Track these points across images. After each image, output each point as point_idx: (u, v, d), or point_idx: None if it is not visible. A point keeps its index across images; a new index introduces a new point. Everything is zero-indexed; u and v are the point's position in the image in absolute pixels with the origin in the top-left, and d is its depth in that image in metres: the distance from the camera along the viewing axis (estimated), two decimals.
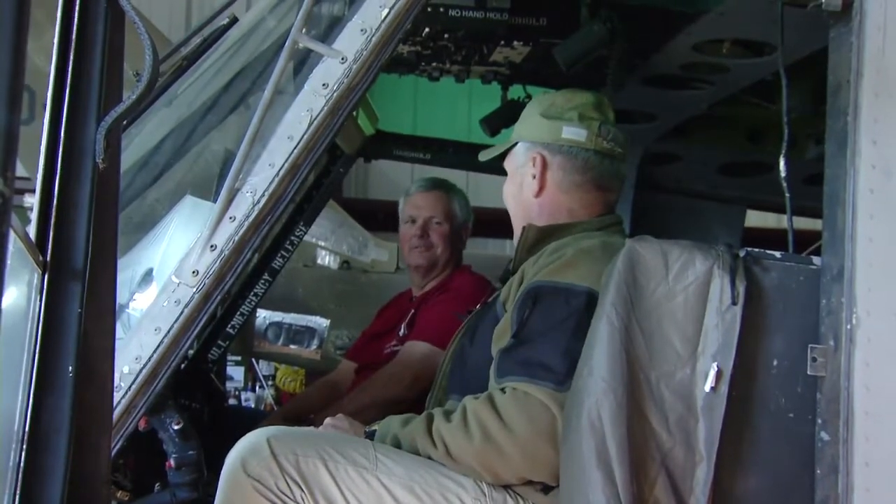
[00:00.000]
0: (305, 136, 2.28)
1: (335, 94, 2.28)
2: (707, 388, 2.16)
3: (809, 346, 2.25)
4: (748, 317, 2.21)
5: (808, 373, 2.24)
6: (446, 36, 3.55)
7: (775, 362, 2.25)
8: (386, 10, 2.28)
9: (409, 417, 2.57)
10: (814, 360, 2.24)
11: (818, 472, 2.22)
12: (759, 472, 2.24)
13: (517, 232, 2.81)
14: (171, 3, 10.11)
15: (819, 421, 2.23)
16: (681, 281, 2.23)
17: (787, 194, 2.53)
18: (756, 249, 2.29)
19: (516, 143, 2.87)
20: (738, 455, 2.21)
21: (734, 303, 2.19)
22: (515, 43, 3.63)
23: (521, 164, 2.84)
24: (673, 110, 4.20)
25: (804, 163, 4.17)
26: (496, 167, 4.81)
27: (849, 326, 2.21)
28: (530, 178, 2.80)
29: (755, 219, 5.39)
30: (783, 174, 2.56)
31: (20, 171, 1.94)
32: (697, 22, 3.20)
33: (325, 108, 2.28)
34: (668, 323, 2.22)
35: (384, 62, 2.34)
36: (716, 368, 2.17)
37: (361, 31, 2.29)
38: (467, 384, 2.62)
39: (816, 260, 2.32)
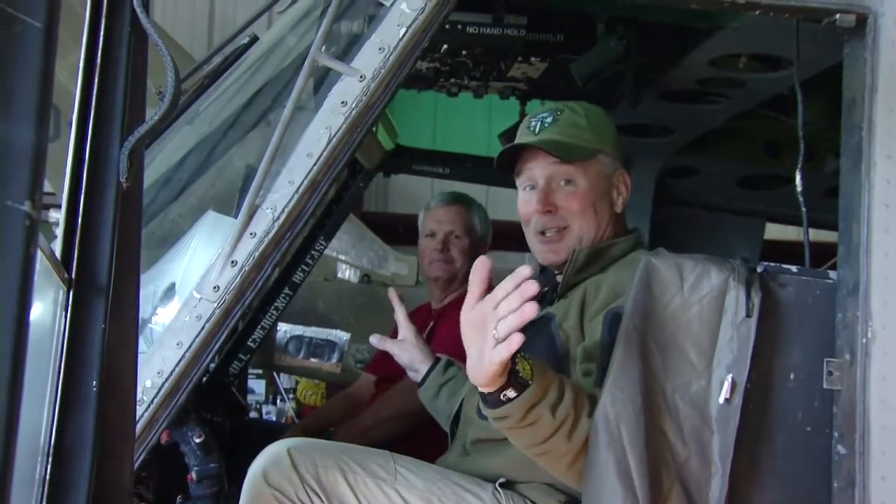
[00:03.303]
0: (324, 154, 2.30)
1: (354, 112, 2.30)
2: (721, 399, 2.17)
3: (825, 359, 2.25)
4: (764, 330, 2.22)
5: (825, 386, 2.25)
6: (464, 52, 3.57)
7: (792, 376, 2.26)
8: (403, 29, 2.30)
9: (559, 392, 2.17)
10: (830, 373, 2.25)
11: (835, 485, 2.23)
12: (776, 485, 2.24)
13: (570, 242, 2.71)
14: (194, 22, 10.20)
15: (835, 434, 2.24)
16: (696, 293, 2.24)
17: (804, 208, 2.55)
18: (772, 264, 2.30)
19: (598, 152, 2.75)
20: (754, 468, 2.22)
21: (749, 315, 2.20)
22: (533, 59, 3.65)
23: (607, 174, 2.77)
24: (690, 124, 4.21)
25: (823, 175, 4.17)
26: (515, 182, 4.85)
27: (864, 340, 2.22)
28: (615, 193, 2.77)
29: (775, 231, 5.38)
30: (799, 188, 2.57)
31: (45, 187, 1.98)
32: (713, 37, 3.21)
33: (344, 125, 2.30)
34: (683, 335, 2.23)
35: (402, 79, 2.36)
36: (730, 380, 2.18)
37: (379, 49, 2.31)
38: None
39: (833, 274, 2.33)
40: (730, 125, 4.16)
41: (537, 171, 2.73)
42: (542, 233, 2.73)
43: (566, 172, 2.71)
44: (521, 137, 2.80)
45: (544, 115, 2.79)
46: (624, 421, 2.14)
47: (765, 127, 4.35)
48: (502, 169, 2.81)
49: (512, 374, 2.06)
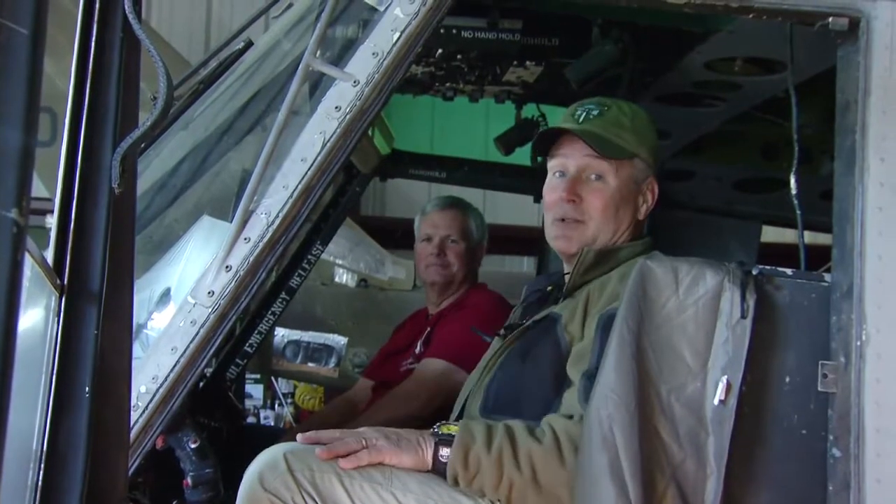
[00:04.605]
0: (319, 158, 2.30)
1: (348, 117, 2.31)
2: (716, 401, 2.18)
3: (820, 362, 2.26)
4: (760, 333, 2.23)
5: (819, 389, 2.25)
6: (459, 57, 3.58)
7: (787, 378, 2.27)
8: (397, 34, 2.31)
9: (488, 432, 2.36)
10: (824, 376, 2.26)
11: (830, 488, 2.23)
12: (772, 488, 2.25)
13: (585, 236, 2.73)
14: (191, 27, 10.22)
15: (830, 437, 2.25)
16: (691, 295, 2.25)
17: (798, 211, 2.55)
18: (768, 267, 2.31)
19: (635, 156, 2.78)
20: (749, 470, 2.22)
21: (743, 316, 2.21)
22: (528, 63, 3.65)
23: (638, 179, 2.78)
24: (687, 127, 4.21)
25: (820, 178, 4.17)
26: (511, 185, 4.85)
27: (858, 343, 2.23)
28: (641, 200, 2.79)
29: (773, 234, 5.39)
30: (794, 191, 2.57)
31: (43, 192, 1.98)
32: (708, 41, 3.21)
33: (338, 130, 2.30)
34: (678, 336, 2.23)
35: (396, 84, 2.36)
36: (725, 382, 2.18)
37: (373, 54, 2.32)
38: (520, 405, 2.56)
39: (828, 277, 2.34)
40: (726, 128, 4.16)
41: (571, 159, 2.75)
42: (562, 220, 2.74)
43: (598, 167, 2.73)
44: (564, 123, 2.82)
45: (591, 106, 2.81)
46: (617, 422, 2.15)
47: (761, 130, 4.34)
48: (538, 149, 2.83)
49: (439, 438, 2.38)
